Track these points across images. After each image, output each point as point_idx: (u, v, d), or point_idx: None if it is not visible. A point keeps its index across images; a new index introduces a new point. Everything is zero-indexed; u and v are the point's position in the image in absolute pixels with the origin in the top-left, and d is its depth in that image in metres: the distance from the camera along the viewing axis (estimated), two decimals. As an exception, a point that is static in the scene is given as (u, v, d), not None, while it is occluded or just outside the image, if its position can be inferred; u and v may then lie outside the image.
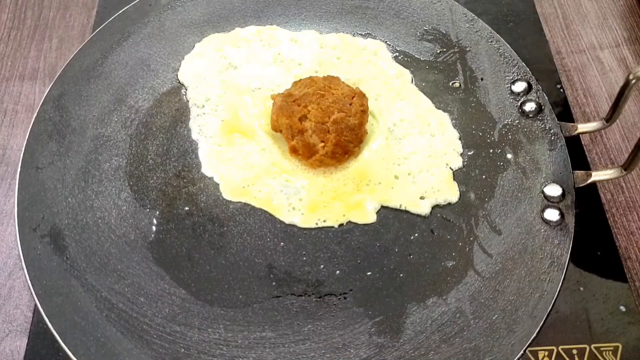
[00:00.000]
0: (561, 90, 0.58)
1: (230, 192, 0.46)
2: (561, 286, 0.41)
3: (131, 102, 0.51)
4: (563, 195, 0.45)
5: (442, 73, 0.53)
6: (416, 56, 0.54)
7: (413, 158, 0.48)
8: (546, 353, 0.45)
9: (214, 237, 0.45)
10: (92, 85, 0.51)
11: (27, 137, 0.47)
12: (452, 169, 0.48)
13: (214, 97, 0.51)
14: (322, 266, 0.44)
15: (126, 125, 0.49)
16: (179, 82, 0.52)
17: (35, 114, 0.48)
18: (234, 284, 0.43)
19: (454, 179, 0.47)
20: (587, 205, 0.50)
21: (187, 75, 0.52)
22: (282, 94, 0.48)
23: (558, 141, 0.48)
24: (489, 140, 0.49)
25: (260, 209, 0.46)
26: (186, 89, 0.52)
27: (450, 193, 0.46)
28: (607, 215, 0.51)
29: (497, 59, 0.53)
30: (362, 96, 0.47)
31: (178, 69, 0.53)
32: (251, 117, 0.50)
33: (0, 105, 0.58)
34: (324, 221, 0.45)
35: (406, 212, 0.46)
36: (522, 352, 0.39)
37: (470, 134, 0.50)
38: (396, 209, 0.46)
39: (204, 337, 0.40)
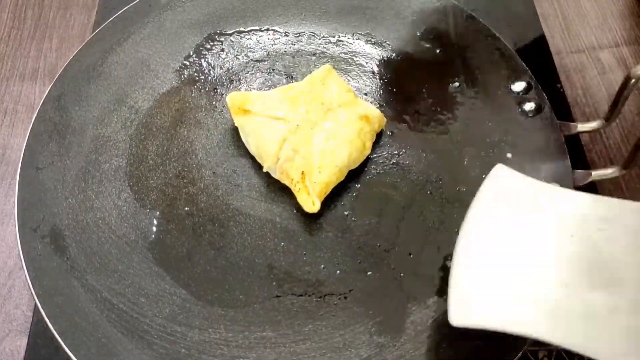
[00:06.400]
0: (561, 90, 0.58)
1: None
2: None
3: (131, 102, 0.51)
4: (563, 195, 0.45)
5: (441, 73, 0.53)
6: (416, 56, 0.54)
7: None
8: (546, 353, 0.45)
9: (214, 238, 0.45)
10: (92, 86, 0.51)
11: (27, 137, 0.47)
12: None
13: None
14: (322, 266, 0.44)
15: (126, 126, 0.49)
16: (179, 83, 0.52)
17: (36, 114, 0.48)
18: (235, 284, 0.43)
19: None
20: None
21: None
22: None
23: (558, 140, 0.48)
24: (488, 140, 0.49)
25: (261, 208, 0.46)
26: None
27: None
28: (607, 215, 0.51)
29: (496, 59, 0.53)
30: None
31: (178, 69, 0.53)
32: None
33: (0, 105, 0.58)
34: None
35: (407, 212, 0.46)
36: (522, 351, 0.39)
37: (469, 133, 0.50)
38: (397, 209, 0.46)
39: (205, 337, 0.40)
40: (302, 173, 0.44)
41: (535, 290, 0.34)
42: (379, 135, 0.49)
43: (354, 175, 0.48)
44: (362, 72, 0.54)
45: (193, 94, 0.52)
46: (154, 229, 0.45)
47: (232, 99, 0.48)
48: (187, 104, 0.51)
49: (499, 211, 0.38)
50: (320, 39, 0.56)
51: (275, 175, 0.47)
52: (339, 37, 0.56)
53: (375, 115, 0.48)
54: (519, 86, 0.51)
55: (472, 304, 0.35)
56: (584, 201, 0.38)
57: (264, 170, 0.47)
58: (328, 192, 0.46)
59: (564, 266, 0.35)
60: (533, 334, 0.33)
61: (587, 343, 0.31)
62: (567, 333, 0.32)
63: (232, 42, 0.55)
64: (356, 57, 0.55)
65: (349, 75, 0.54)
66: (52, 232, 0.43)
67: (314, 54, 0.55)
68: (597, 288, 0.33)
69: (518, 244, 0.36)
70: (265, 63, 0.54)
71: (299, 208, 0.46)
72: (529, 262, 0.36)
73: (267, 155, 0.46)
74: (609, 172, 0.46)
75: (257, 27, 0.56)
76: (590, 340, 0.31)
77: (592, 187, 0.52)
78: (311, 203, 0.44)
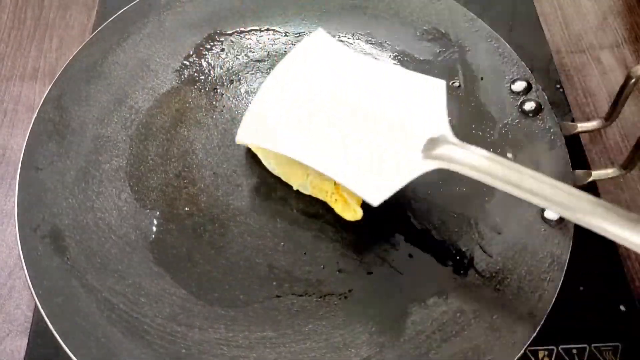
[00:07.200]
0: (561, 89, 0.58)
1: None
2: (561, 286, 0.41)
3: (131, 102, 0.51)
4: (563, 194, 0.45)
5: (441, 72, 0.53)
6: (416, 56, 0.54)
7: None
8: (546, 353, 0.45)
9: (214, 237, 0.45)
10: (92, 86, 0.51)
11: (27, 137, 0.47)
12: None
13: None
14: (322, 266, 0.44)
15: (126, 126, 0.49)
16: (179, 83, 0.52)
17: (35, 114, 0.48)
18: (235, 283, 0.43)
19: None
20: (587, 205, 0.50)
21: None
22: None
23: (558, 140, 0.48)
24: (489, 140, 0.49)
25: (261, 208, 0.46)
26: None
27: None
28: (607, 215, 0.51)
29: (496, 59, 0.53)
30: None
31: (178, 69, 0.53)
32: None
33: (0, 105, 0.58)
34: None
35: (407, 211, 0.46)
36: (522, 351, 0.39)
37: (470, 133, 0.50)
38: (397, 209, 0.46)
39: (205, 337, 0.40)
40: (335, 183, 0.44)
41: (309, 125, 0.42)
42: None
43: (354, 175, 0.48)
44: (362, 72, 0.54)
45: (193, 94, 0.52)
46: (154, 229, 0.45)
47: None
48: (187, 104, 0.51)
49: (303, 65, 0.46)
50: (320, 39, 0.56)
51: (307, 191, 0.46)
52: (339, 37, 0.56)
53: None
54: (519, 86, 0.51)
55: (257, 129, 0.43)
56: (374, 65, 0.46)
57: (295, 188, 0.46)
58: None
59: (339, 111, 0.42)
60: (296, 156, 0.40)
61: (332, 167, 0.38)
62: (318, 158, 0.39)
63: (232, 42, 0.55)
64: (356, 57, 0.55)
65: (349, 75, 0.54)
66: (52, 232, 0.43)
67: (314, 54, 0.55)
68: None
69: (310, 91, 0.44)
70: (265, 63, 0.54)
71: (299, 208, 0.46)
72: (312, 105, 0.43)
73: (295, 174, 0.45)
74: (609, 172, 0.46)
75: (257, 27, 0.56)
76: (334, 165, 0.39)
77: (593, 187, 0.52)
78: (353, 211, 0.44)
